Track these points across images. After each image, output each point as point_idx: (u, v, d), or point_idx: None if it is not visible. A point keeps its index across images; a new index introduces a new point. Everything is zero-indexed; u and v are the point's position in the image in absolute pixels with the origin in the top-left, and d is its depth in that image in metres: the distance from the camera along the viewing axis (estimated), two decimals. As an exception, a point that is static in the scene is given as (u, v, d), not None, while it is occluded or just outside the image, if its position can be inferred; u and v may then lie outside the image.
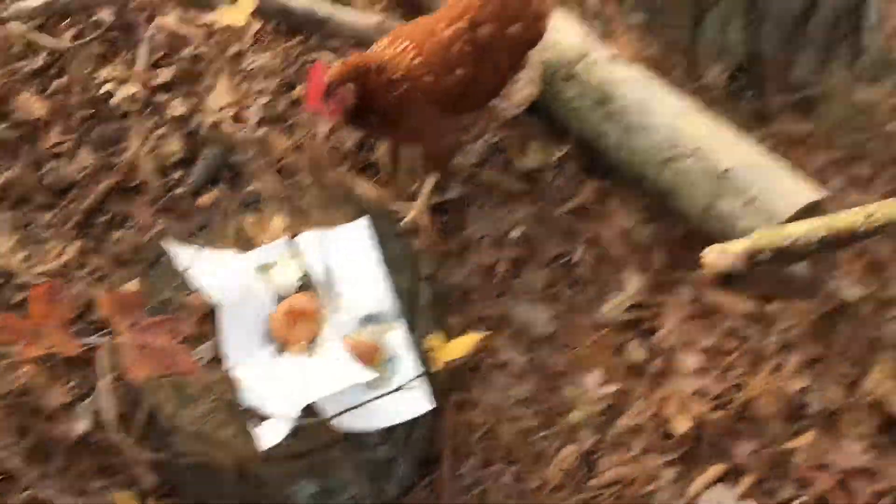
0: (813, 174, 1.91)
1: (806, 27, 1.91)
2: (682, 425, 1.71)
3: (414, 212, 1.92)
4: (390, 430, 1.51)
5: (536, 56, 1.80)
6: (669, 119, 1.83)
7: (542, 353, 1.82)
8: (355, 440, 1.47)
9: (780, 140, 1.98)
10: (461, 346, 1.05)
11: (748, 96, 2.00)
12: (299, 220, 1.71)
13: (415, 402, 1.49)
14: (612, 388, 1.77)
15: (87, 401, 1.78)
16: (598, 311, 1.87)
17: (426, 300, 1.61)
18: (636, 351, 1.82)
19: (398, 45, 1.71)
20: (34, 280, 1.94)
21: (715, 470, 1.68)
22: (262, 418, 1.40)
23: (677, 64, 2.00)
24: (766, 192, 1.74)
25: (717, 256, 1.68)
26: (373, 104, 1.68)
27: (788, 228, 1.58)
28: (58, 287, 0.93)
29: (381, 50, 1.73)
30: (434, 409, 1.68)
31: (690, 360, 1.80)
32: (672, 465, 1.68)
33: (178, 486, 1.59)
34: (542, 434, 1.73)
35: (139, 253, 1.94)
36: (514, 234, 1.96)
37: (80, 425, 1.74)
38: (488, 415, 1.74)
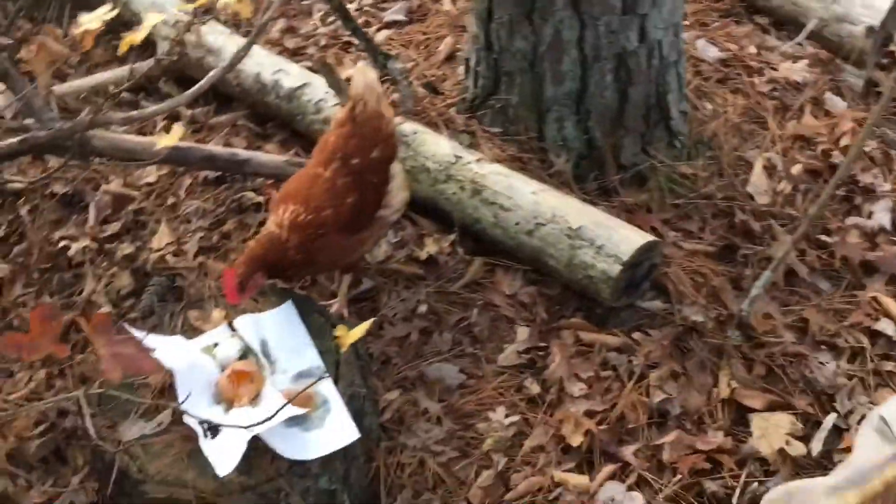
0: (650, 231, 2.37)
1: (623, 119, 2.43)
2: (576, 439, 2.04)
3: (336, 306, 2.29)
4: (328, 463, 1.81)
5: (397, 168, 2.22)
6: (529, 198, 2.28)
7: (454, 400, 2.15)
8: (298, 470, 1.75)
9: (622, 209, 2.45)
10: (359, 331, 1.40)
11: (592, 177, 2.49)
12: (235, 311, 2.06)
13: (344, 433, 1.80)
14: (516, 418, 2.09)
15: (60, 499, 2.03)
16: (497, 361, 2.23)
17: (345, 357, 1.94)
18: (532, 386, 2.16)
19: (285, 212, 2.06)
20: (6, 406, 2.22)
21: (606, 470, 1.99)
22: (218, 452, 1.69)
23: (531, 160, 2.49)
24: (610, 240, 2.17)
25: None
26: (283, 268, 2.05)
27: None
28: (50, 309, 1.26)
29: (272, 224, 2.06)
30: (368, 454, 1.99)
31: (576, 388, 2.15)
32: (572, 472, 2.00)
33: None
34: (461, 464, 2.03)
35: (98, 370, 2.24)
36: (421, 309, 2.33)
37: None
38: (415, 454, 2.03)
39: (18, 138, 1.75)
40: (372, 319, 1.49)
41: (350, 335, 1.41)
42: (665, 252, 2.33)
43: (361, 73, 2.12)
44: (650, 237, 2.20)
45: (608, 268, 2.15)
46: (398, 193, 2.22)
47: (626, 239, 2.18)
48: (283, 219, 2.06)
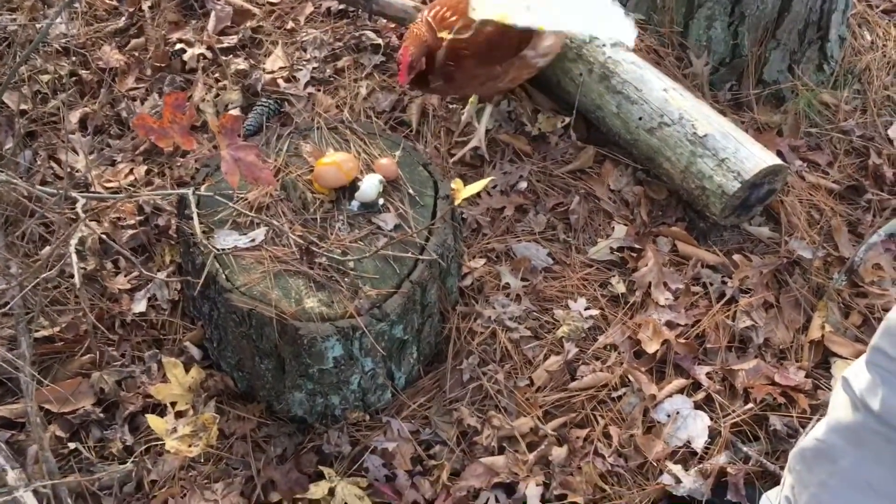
0: (777, 155, 2.25)
1: (777, 30, 2.26)
2: (652, 347, 2.01)
3: (475, 140, 2.26)
4: (406, 314, 1.81)
5: None
6: (659, 94, 2.17)
7: (536, 282, 2.13)
8: (377, 314, 1.76)
9: (751, 126, 2.32)
10: (475, 187, 1.36)
11: (728, 87, 2.35)
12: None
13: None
14: (595, 312, 2.07)
15: (145, 289, 2.09)
16: (588, 253, 2.18)
17: (445, 212, 1.91)
18: (618, 285, 2.12)
19: (439, 12, 2.06)
20: (105, 192, 2.27)
21: (676, 383, 1.97)
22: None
23: (668, 55, 2.36)
24: (735, 154, 2.06)
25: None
26: (433, 66, 2.03)
27: None
28: (182, 99, 1.24)
29: (427, 18, 2.04)
30: (443, 314, 1.99)
31: (662, 297, 2.10)
32: (641, 376, 1.97)
33: (221, 349, 1.89)
34: (532, 345, 2.02)
35: (196, 176, 2.26)
36: (521, 185, 2.28)
37: (138, 306, 2.05)
38: (488, 325, 2.03)
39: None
40: (490, 178, 1.45)
41: (466, 190, 1.37)
42: (787, 180, 2.22)
43: None
44: (778, 160, 2.09)
45: (726, 183, 2.05)
46: (548, 38, 2.13)
47: (752, 157, 2.06)
48: (427, 19, 2.05)
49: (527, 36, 2.07)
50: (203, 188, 1.84)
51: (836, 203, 2.24)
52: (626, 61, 2.24)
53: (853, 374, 1.26)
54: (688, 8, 2.30)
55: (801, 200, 2.23)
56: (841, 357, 1.99)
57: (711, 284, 2.11)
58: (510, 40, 2.06)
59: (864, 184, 2.28)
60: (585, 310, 2.07)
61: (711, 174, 2.07)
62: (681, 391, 1.95)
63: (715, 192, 2.07)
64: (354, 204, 1.89)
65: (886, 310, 2.09)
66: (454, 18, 2.04)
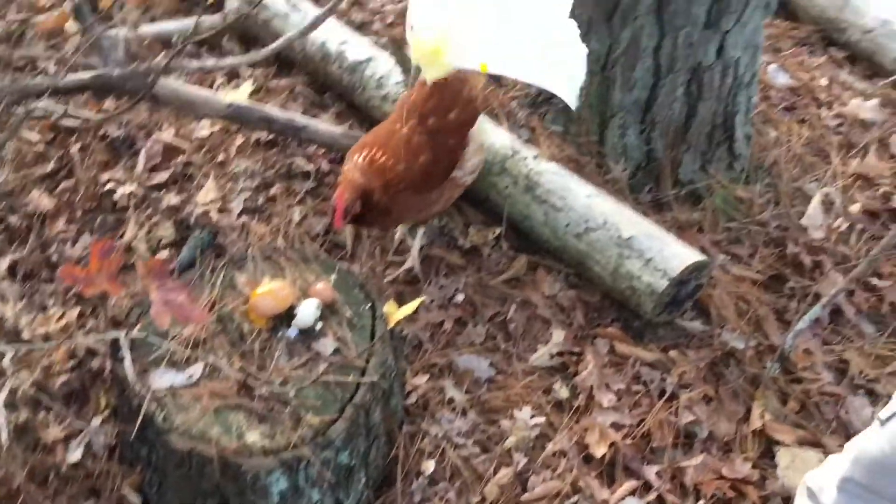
0: (700, 251, 2.33)
1: (687, 134, 2.39)
2: (600, 450, 2.01)
3: (410, 262, 2.29)
4: (351, 439, 1.79)
5: (476, 134, 2.22)
6: (583, 200, 2.25)
7: (481, 394, 2.13)
8: (321, 442, 1.74)
9: (673, 225, 2.41)
10: (407, 309, 1.38)
11: (646, 189, 2.45)
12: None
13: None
14: (541, 420, 2.07)
15: (80, 437, 2.02)
16: (529, 360, 2.20)
17: (382, 333, 1.92)
18: (561, 390, 2.14)
19: (369, 154, 2.10)
20: (36, 339, 2.22)
21: (627, 486, 1.96)
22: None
23: (588, 163, 2.46)
24: (660, 254, 2.14)
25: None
26: (369, 208, 2.07)
27: None
28: (110, 245, 1.25)
29: (358, 162, 2.09)
30: (389, 436, 1.97)
31: (606, 399, 2.12)
32: (592, 481, 1.97)
33: (161, 493, 1.82)
34: (481, 458, 2.01)
35: (130, 315, 2.24)
36: (458, 298, 2.31)
37: (73, 455, 1.97)
38: (436, 443, 2.02)
39: (91, 74, 1.74)
40: (421, 299, 1.47)
41: (399, 312, 1.39)
42: (712, 274, 2.30)
43: None
44: (701, 256, 2.17)
45: (654, 282, 2.12)
46: (473, 157, 2.21)
47: (677, 255, 2.14)
48: (359, 163, 2.08)
49: (454, 158, 2.14)
50: (137, 329, 1.82)
51: (761, 293, 2.32)
52: (549, 171, 2.33)
53: (818, 487, 1.26)
54: (601, 118, 2.42)
55: (728, 293, 2.30)
56: (784, 445, 2.02)
57: (652, 382, 2.15)
58: (445, 165, 2.13)
59: (786, 272, 2.37)
60: (531, 418, 2.07)
61: (640, 274, 2.14)
62: (632, 493, 1.95)
63: (645, 291, 2.13)
64: (292, 331, 1.90)
65: (822, 393, 2.15)
66: (384, 158, 2.09)
